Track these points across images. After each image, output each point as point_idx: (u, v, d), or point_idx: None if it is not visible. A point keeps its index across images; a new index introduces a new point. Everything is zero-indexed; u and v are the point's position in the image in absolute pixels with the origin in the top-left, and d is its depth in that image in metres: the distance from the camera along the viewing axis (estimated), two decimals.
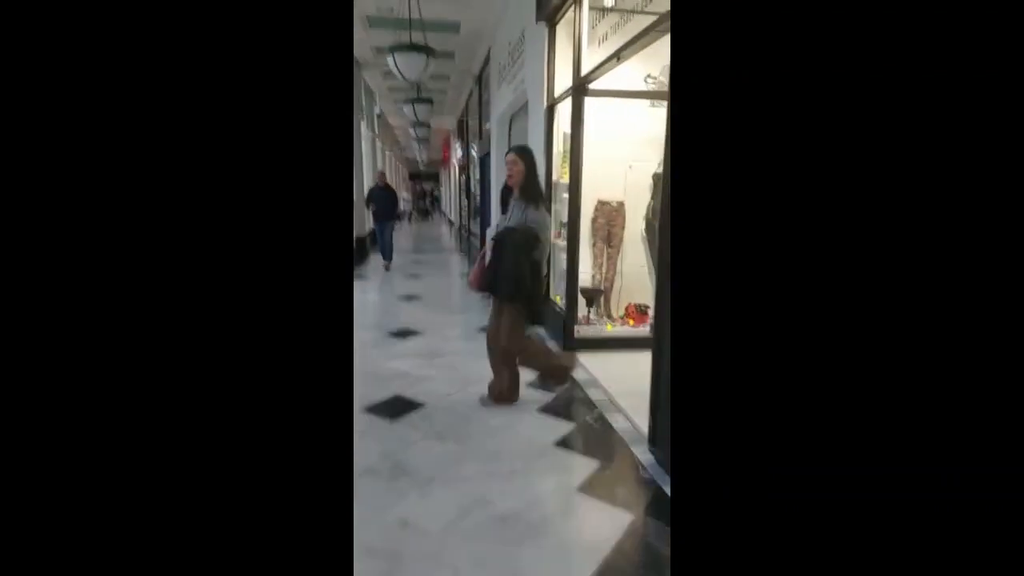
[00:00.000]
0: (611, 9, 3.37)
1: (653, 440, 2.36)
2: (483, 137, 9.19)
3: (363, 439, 2.49)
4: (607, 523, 1.88)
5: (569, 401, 2.99)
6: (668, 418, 2.14)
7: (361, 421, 2.69)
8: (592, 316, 4.06)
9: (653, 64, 3.84)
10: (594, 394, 3.07)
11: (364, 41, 7.63)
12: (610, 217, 4.11)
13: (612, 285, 4.24)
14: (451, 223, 19.03)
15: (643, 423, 2.47)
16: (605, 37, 3.25)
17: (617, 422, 2.71)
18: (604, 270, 4.21)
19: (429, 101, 8.45)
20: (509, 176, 2.73)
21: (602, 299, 4.18)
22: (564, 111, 4.23)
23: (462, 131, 13.16)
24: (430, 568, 1.64)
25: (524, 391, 3.07)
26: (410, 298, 5.87)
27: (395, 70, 5.31)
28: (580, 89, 3.55)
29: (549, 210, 2.70)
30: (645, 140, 3.89)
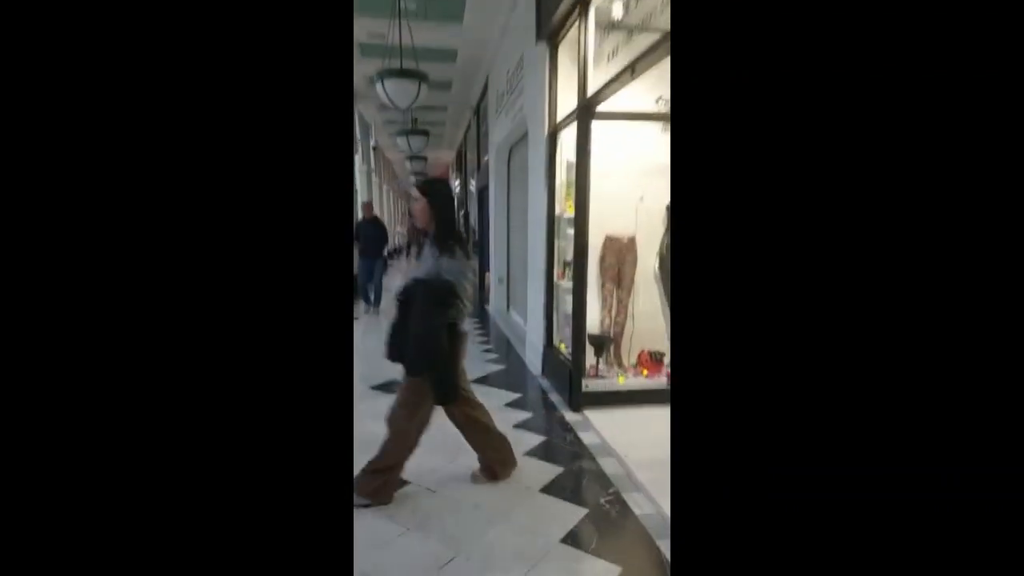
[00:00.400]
0: (618, 26, 2.99)
1: None
2: (481, 170, 8.86)
3: None
4: None
5: (578, 476, 2.50)
6: None
7: None
8: (601, 366, 3.59)
9: (665, 86, 3.46)
10: (608, 466, 2.57)
11: (356, 71, 7.35)
12: (620, 254, 3.68)
13: (623, 330, 3.78)
14: None
15: (668, 504, 1.98)
16: (614, 52, 2.87)
17: (638, 505, 2.21)
18: (614, 313, 3.75)
19: (425, 133, 8.13)
20: (412, 216, 2.28)
21: (612, 347, 3.71)
22: (567, 138, 3.84)
23: (460, 164, 12.87)
24: None
25: (524, 460, 2.59)
26: None
27: (385, 98, 4.95)
28: (586, 111, 3.16)
29: (468, 255, 2.19)
30: (657, 169, 3.48)
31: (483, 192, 8.95)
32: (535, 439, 2.89)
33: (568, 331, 3.93)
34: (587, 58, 3.18)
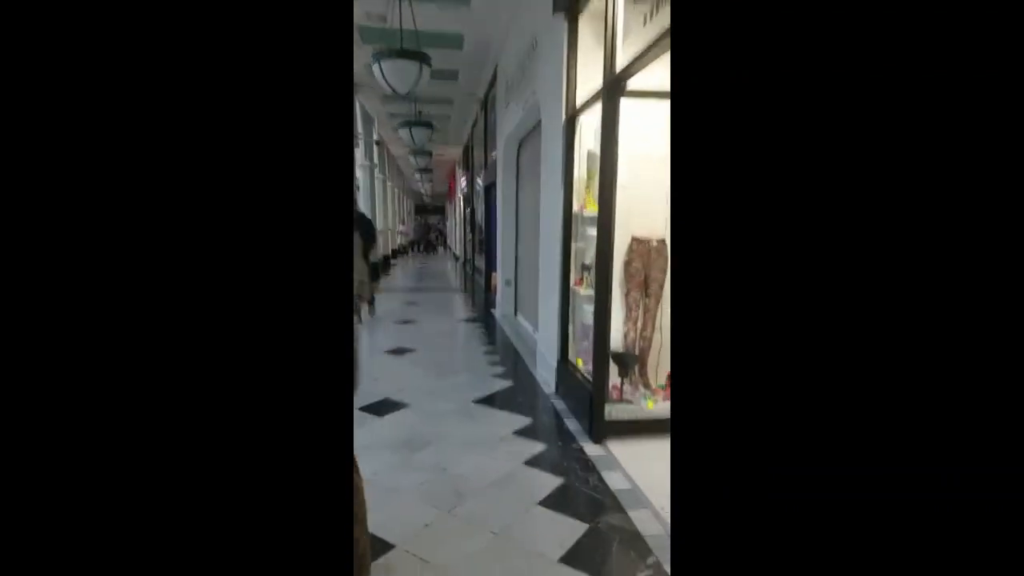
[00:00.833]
0: None
1: None
2: (489, 166, 8.37)
3: None
4: None
5: (607, 536, 1.99)
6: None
7: None
8: (626, 387, 3.09)
9: None
10: (642, 521, 2.07)
11: (356, 58, 6.87)
12: (648, 259, 3.17)
13: (650, 345, 3.27)
14: (456, 258, 18.16)
15: None
16: (651, 14, 2.36)
17: None
18: (640, 326, 3.25)
19: (428, 125, 7.64)
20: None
21: (638, 365, 3.21)
22: (588, 124, 3.35)
23: (467, 160, 12.38)
24: None
25: (538, 512, 2.09)
26: (399, 352, 4.91)
27: (382, 81, 4.47)
28: (614, 88, 2.65)
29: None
30: None
31: (490, 189, 8.45)
32: (550, 481, 2.39)
33: (586, 345, 3.44)
34: (616, 23, 2.67)
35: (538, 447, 2.77)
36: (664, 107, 2.93)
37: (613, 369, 3.02)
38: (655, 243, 3.17)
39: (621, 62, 2.62)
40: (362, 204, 11.64)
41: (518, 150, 6.28)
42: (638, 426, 2.85)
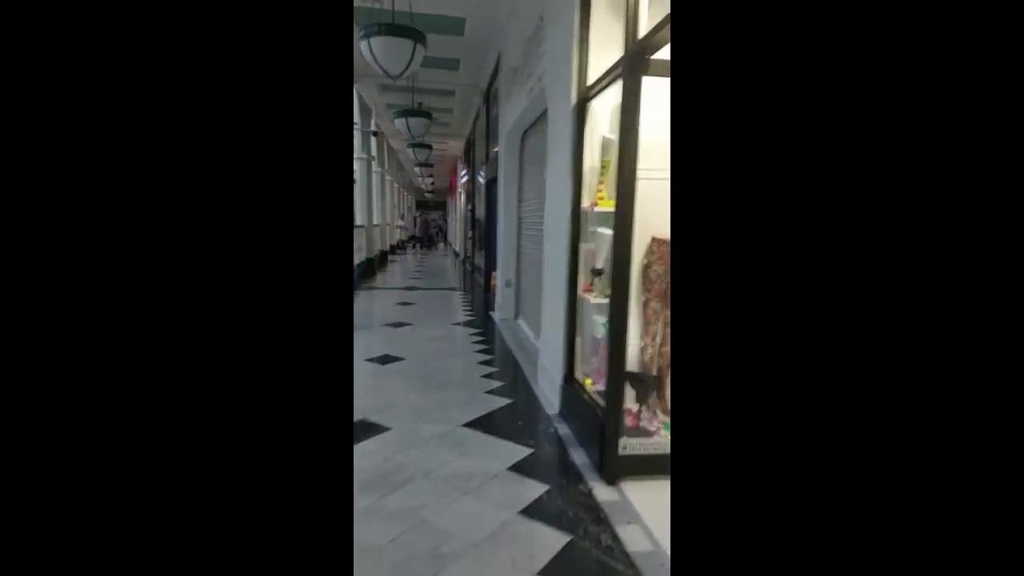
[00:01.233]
0: None
1: None
2: (490, 160, 7.92)
3: None
4: None
5: None
6: None
7: None
8: (643, 415, 2.64)
9: None
10: None
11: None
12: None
13: (670, 363, 2.83)
14: (456, 255, 17.71)
15: None
16: None
17: None
18: (659, 341, 2.80)
19: (427, 115, 7.18)
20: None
21: (657, 387, 2.76)
22: (602, 108, 2.89)
23: (469, 155, 11.92)
24: None
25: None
26: (386, 361, 4.47)
27: (372, 62, 4.02)
28: (636, 62, 2.20)
29: None
30: None
31: (492, 184, 8.01)
32: (552, 540, 1.95)
33: (596, 361, 2.99)
34: None
35: (537, 489, 2.32)
36: None
37: (628, 392, 2.58)
38: None
39: (647, 25, 2.17)
40: (358, 198, 11.21)
41: (521, 143, 5.83)
42: (658, 463, 2.40)
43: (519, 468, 2.52)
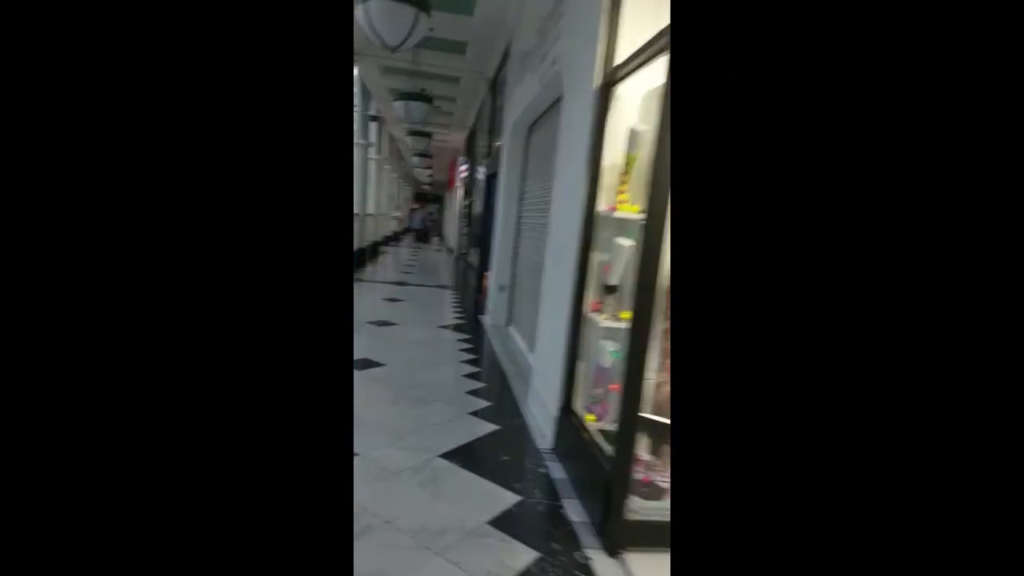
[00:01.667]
0: None
1: None
2: (492, 154, 7.47)
3: None
4: None
5: None
6: None
7: None
8: (657, 469, 2.19)
9: None
10: None
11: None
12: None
13: None
14: (450, 251, 17.23)
15: None
16: None
17: None
18: None
19: (428, 99, 6.71)
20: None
21: None
22: (631, 93, 2.44)
23: (470, 148, 11.45)
24: None
25: None
26: (364, 367, 4.00)
27: (368, 29, 3.55)
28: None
29: None
30: None
31: (492, 180, 7.55)
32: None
33: (600, 394, 2.55)
34: None
35: (524, 556, 1.87)
36: None
37: (644, 441, 2.13)
38: None
39: None
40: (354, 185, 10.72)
41: (527, 136, 5.38)
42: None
43: (503, 523, 2.06)
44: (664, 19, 1.89)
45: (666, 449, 2.20)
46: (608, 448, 2.13)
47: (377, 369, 3.92)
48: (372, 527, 1.95)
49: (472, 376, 3.99)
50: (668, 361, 2.31)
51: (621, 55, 2.43)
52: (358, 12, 3.49)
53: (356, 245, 10.42)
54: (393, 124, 12.88)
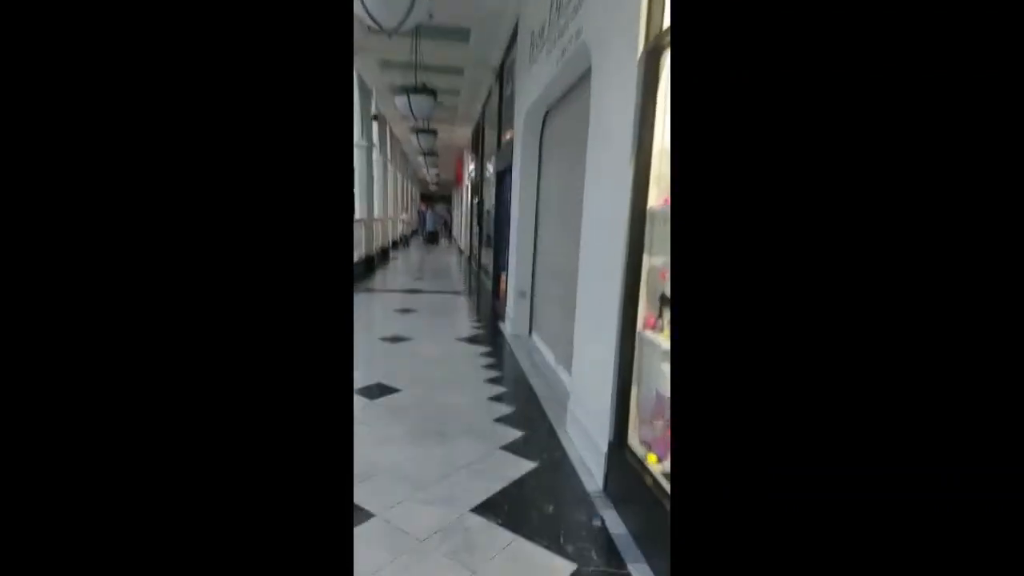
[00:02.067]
0: None
1: None
2: (502, 148, 7.01)
3: None
4: None
5: None
6: None
7: None
8: None
9: None
10: None
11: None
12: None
13: None
14: (461, 252, 16.80)
15: None
16: None
17: None
18: None
19: (431, 93, 6.26)
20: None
21: None
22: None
23: (477, 144, 10.99)
24: None
25: None
26: (377, 393, 3.57)
27: (362, 12, 3.11)
28: None
29: None
30: None
31: (503, 176, 7.10)
32: None
33: (661, 427, 2.10)
34: None
35: None
36: None
37: None
38: None
39: None
40: (356, 189, 10.31)
41: (543, 124, 4.92)
42: None
43: None
44: None
45: None
46: None
47: (393, 396, 3.49)
48: None
49: (498, 399, 3.55)
50: None
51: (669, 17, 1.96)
52: None
53: (364, 252, 10.03)
54: (396, 123, 12.45)
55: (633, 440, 2.23)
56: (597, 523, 2.11)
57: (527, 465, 2.58)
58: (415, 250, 17.37)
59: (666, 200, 2.00)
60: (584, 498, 2.30)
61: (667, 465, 1.99)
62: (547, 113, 4.80)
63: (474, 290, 8.82)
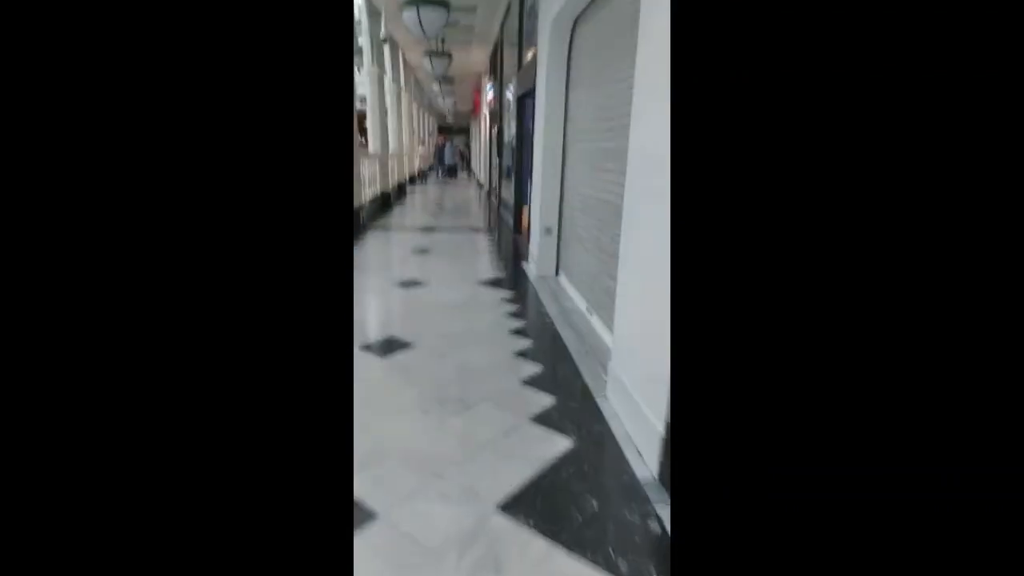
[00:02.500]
0: None
1: None
2: (524, 69, 6.31)
3: None
4: None
5: None
6: None
7: None
8: None
9: None
10: None
11: None
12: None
13: None
14: (480, 186, 16.13)
15: None
16: None
17: None
18: None
19: (443, 4, 5.53)
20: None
21: None
22: None
23: (495, 67, 10.15)
24: None
25: None
26: (387, 349, 3.17)
27: None
28: None
29: None
30: None
31: (524, 100, 6.44)
32: None
33: None
34: None
35: None
36: None
37: None
38: None
39: None
40: (370, 121, 9.67)
41: (571, 36, 4.26)
42: None
43: None
44: None
45: None
46: None
47: (402, 353, 3.08)
48: None
49: (525, 354, 3.11)
50: None
51: None
52: None
53: (379, 188, 9.52)
54: (409, 48, 11.59)
55: None
56: (655, 527, 1.69)
57: (562, 443, 2.16)
58: (433, 185, 16.73)
59: None
60: (635, 490, 1.88)
61: None
62: (576, 21, 4.13)
63: (494, 226, 8.30)
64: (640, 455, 2.07)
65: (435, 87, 14.28)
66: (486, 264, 5.67)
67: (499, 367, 2.92)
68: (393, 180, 11.05)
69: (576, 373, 2.84)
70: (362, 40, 8.89)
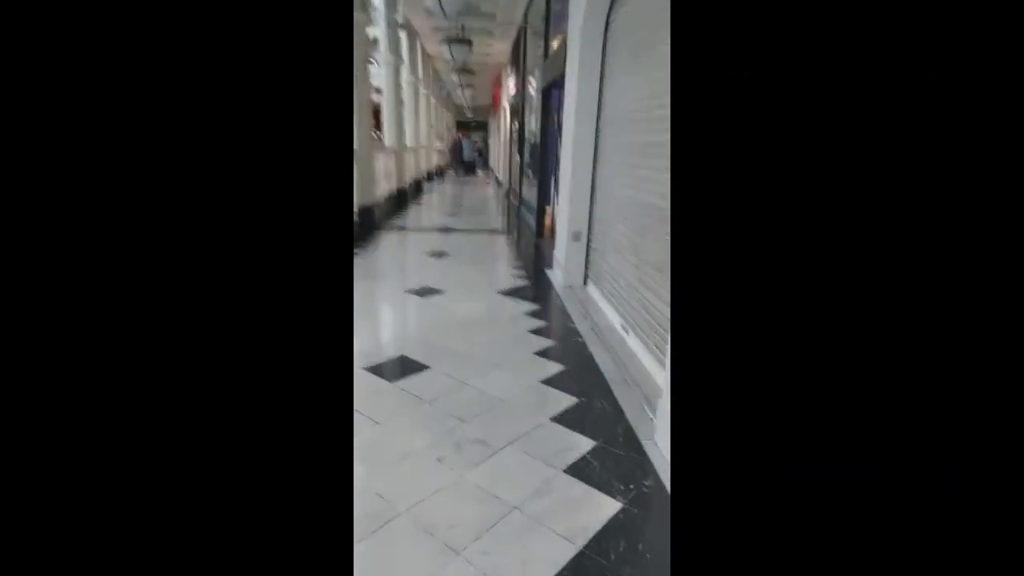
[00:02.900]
0: None
1: None
2: (549, 60, 5.89)
3: None
4: None
5: None
6: None
7: None
8: None
9: None
10: None
11: None
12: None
13: None
14: (499, 184, 15.71)
15: None
16: None
17: None
18: None
19: (468, 42, 5.11)
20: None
21: None
22: None
23: (517, 58, 9.71)
24: None
25: None
26: (403, 370, 2.78)
27: None
28: None
29: None
30: None
31: (550, 93, 6.02)
32: None
33: None
34: None
35: None
36: None
37: None
38: None
39: None
40: (386, 114, 9.31)
41: (606, 24, 3.83)
42: None
43: None
44: None
45: None
46: None
47: (416, 377, 2.69)
48: None
49: (553, 382, 2.70)
50: None
51: None
52: None
53: (395, 185, 9.16)
54: (427, 37, 11.20)
55: None
56: None
57: (607, 507, 1.75)
58: (450, 183, 16.34)
59: None
60: None
61: None
62: (611, 7, 3.71)
63: (514, 228, 7.89)
64: None
65: (454, 78, 13.87)
66: (507, 271, 5.26)
67: (525, 398, 2.51)
68: (409, 176, 10.69)
69: (616, 409, 2.43)
70: (377, 30, 8.50)
